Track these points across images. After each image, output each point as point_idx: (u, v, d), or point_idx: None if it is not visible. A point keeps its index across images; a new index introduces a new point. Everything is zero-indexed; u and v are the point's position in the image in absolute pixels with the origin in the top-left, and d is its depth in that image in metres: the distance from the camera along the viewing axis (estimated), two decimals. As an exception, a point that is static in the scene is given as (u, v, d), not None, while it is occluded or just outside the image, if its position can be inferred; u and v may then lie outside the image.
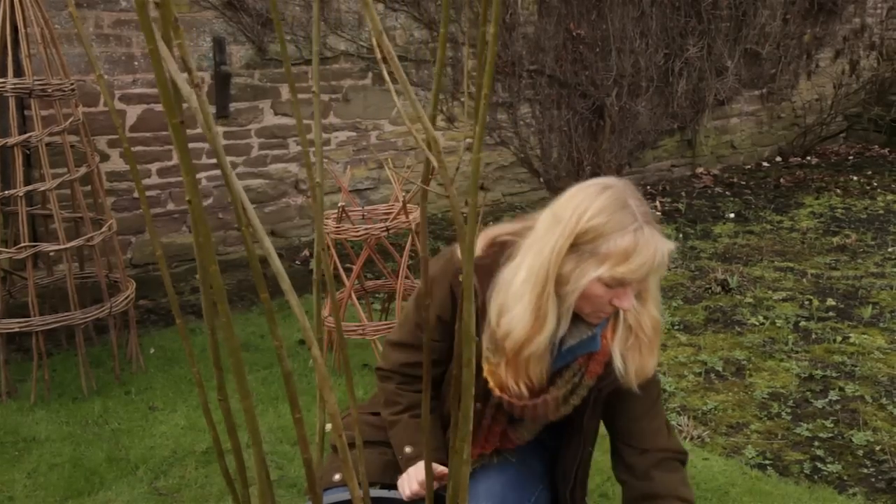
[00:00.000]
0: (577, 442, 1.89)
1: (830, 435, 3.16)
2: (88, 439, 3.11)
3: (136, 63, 4.54)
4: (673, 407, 3.38)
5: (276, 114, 5.13)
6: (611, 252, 1.59)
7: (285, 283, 0.83)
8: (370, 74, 5.47)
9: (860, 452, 3.04)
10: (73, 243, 3.43)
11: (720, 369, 3.70)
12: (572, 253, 1.62)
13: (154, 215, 4.72)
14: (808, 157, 8.17)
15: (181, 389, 3.51)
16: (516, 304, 1.66)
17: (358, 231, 3.41)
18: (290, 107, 5.12)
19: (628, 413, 1.86)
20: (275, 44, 5.00)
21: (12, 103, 3.47)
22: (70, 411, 3.31)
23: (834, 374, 3.63)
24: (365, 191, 5.61)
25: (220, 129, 4.94)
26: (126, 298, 3.59)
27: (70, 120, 3.48)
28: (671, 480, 1.83)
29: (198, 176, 3.96)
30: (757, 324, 4.19)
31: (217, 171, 4.92)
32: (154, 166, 4.71)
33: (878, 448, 3.06)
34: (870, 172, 7.53)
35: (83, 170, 3.53)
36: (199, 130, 4.43)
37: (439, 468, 1.73)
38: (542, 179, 6.52)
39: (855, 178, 7.34)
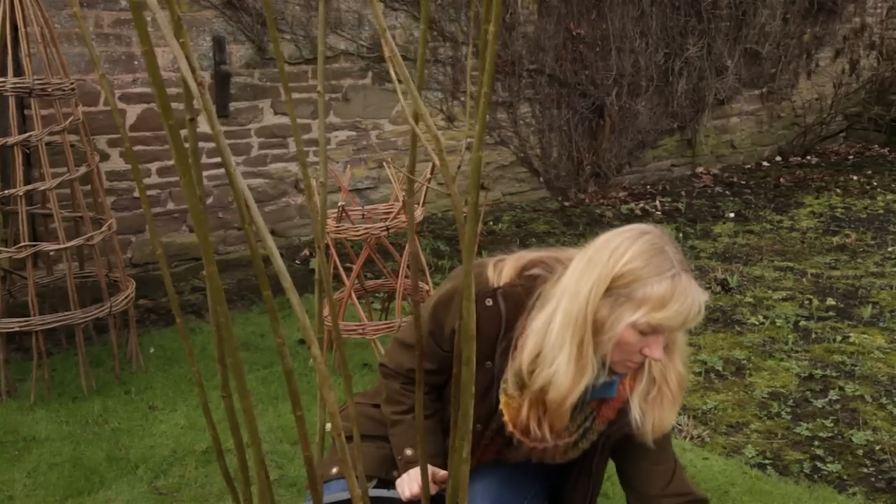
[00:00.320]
0: (584, 484, 1.89)
1: (830, 434, 3.16)
2: (88, 439, 3.11)
3: (136, 62, 4.54)
4: (673, 406, 3.38)
5: (275, 113, 5.13)
6: (647, 297, 1.56)
7: (287, 282, 0.83)
8: (370, 74, 5.47)
9: (860, 452, 3.04)
10: (72, 243, 3.42)
11: (720, 369, 3.70)
12: (608, 297, 1.59)
13: (154, 215, 4.72)
14: (808, 157, 8.17)
15: (181, 389, 3.51)
16: (558, 352, 1.62)
17: (358, 230, 3.41)
18: (287, 107, 5.12)
19: (635, 457, 1.84)
20: (275, 43, 4.99)
21: (12, 102, 3.47)
22: (70, 411, 3.31)
23: (834, 374, 3.63)
24: (365, 190, 5.61)
25: (221, 129, 4.94)
26: (126, 298, 3.59)
27: (70, 119, 3.48)
28: None
29: (198, 175, 3.95)
30: (757, 323, 4.19)
31: (217, 171, 4.92)
32: (154, 165, 4.71)
33: (877, 448, 3.06)
34: (870, 172, 7.54)
35: (83, 169, 3.52)
36: (198, 129, 4.43)
37: (441, 472, 1.73)
38: (541, 179, 6.53)
39: (855, 177, 7.35)
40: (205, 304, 4.44)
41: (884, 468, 2.94)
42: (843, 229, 5.85)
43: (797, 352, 3.87)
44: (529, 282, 1.71)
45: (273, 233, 5.26)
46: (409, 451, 1.79)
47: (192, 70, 0.76)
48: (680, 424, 3.22)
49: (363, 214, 3.63)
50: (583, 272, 1.62)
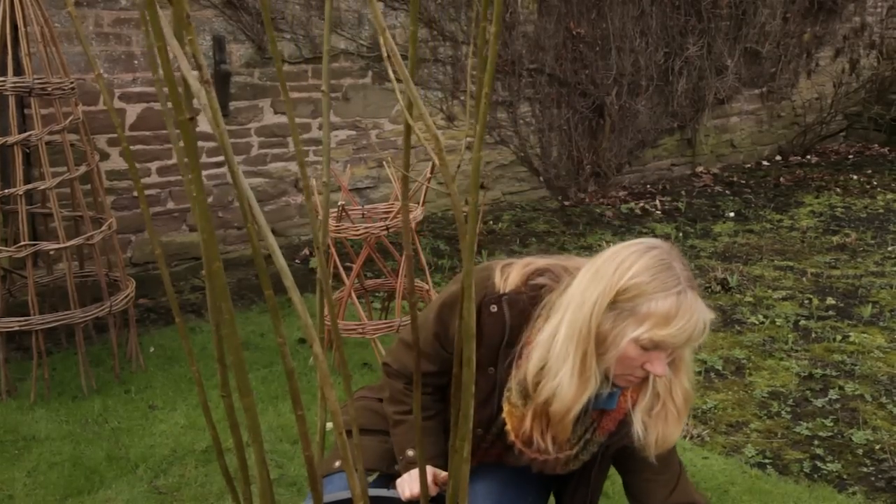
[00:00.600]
0: (583, 493, 1.88)
1: (830, 434, 3.16)
2: (88, 438, 3.11)
3: (135, 62, 4.54)
4: (673, 406, 3.38)
5: (275, 112, 5.13)
6: (651, 313, 1.55)
7: (288, 281, 0.83)
8: (370, 73, 5.47)
9: (860, 451, 3.04)
10: (72, 242, 3.42)
11: (720, 368, 3.70)
12: (611, 311, 1.57)
13: (154, 214, 4.72)
14: (808, 156, 8.18)
15: (181, 388, 3.51)
16: (562, 365, 1.61)
17: (358, 230, 3.41)
18: (285, 106, 5.12)
19: (637, 469, 1.83)
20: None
21: (12, 102, 3.47)
22: (70, 410, 3.31)
23: (834, 373, 3.63)
24: (365, 189, 5.61)
25: (225, 128, 4.94)
26: (126, 297, 3.59)
27: (70, 118, 3.48)
28: None
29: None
30: (757, 323, 4.19)
31: (217, 170, 4.92)
32: (154, 165, 4.71)
33: (877, 447, 3.06)
34: (870, 171, 7.54)
35: (83, 168, 3.52)
36: (198, 129, 4.43)
37: (442, 473, 1.73)
38: (541, 178, 6.53)
39: (855, 176, 7.35)
40: (204, 303, 4.44)
41: (884, 467, 2.94)
42: (843, 229, 5.85)
43: (797, 351, 3.87)
44: (535, 290, 1.70)
45: (273, 232, 5.24)
46: (410, 452, 1.79)
47: (200, 68, 0.76)
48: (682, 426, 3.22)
49: (363, 214, 3.63)
50: (588, 284, 1.61)
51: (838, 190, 6.95)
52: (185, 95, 0.80)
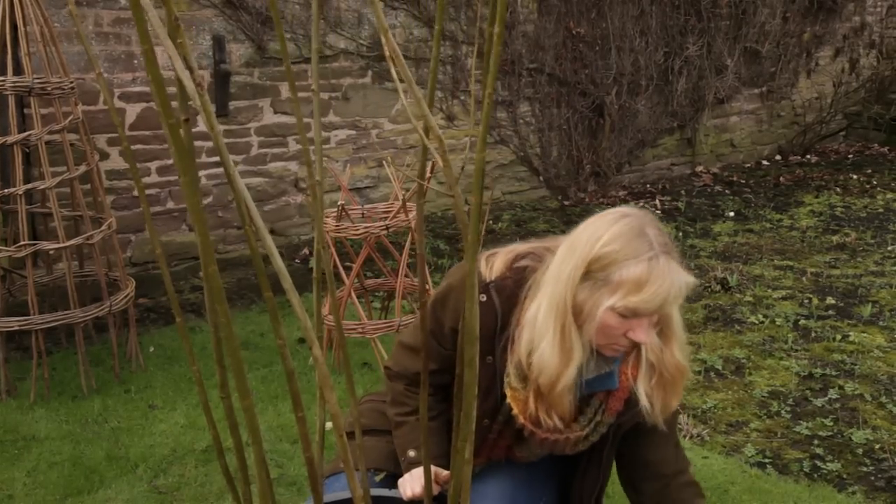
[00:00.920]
0: (594, 474, 1.89)
1: (830, 433, 3.16)
2: (88, 438, 3.11)
3: (135, 61, 4.53)
4: (673, 405, 3.38)
5: (275, 112, 5.12)
6: (623, 280, 1.55)
7: (287, 282, 0.83)
8: (370, 73, 5.47)
9: (860, 451, 3.04)
10: (72, 242, 3.42)
11: (720, 368, 3.70)
12: (586, 281, 1.58)
13: (153, 214, 4.72)
14: (808, 156, 8.18)
15: (181, 388, 3.51)
16: (542, 339, 1.63)
17: (357, 229, 3.41)
18: (290, 105, 5.12)
19: (648, 443, 1.85)
20: (274, 42, 4.99)
21: (12, 101, 3.47)
22: (70, 410, 3.31)
23: (833, 373, 3.63)
24: (364, 189, 5.61)
25: (220, 128, 4.95)
26: (125, 297, 3.59)
27: (69, 118, 3.48)
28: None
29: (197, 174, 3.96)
30: (756, 322, 4.19)
31: (216, 170, 4.92)
32: (154, 164, 4.70)
33: (877, 446, 3.06)
34: (869, 171, 7.54)
35: (83, 168, 3.52)
36: (198, 128, 4.43)
37: (445, 472, 1.73)
38: (541, 178, 6.52)
39: (854, 176, 7.35)
40: (204, 303, 4.44)
41: (883, 467, 2.94)
42: (843, 228, 5.85)
43: (797, 351, 3.87)
44: (518, 273, 1.73)
45: (272, 232, 5.26)
46: (412, 453, 1.79)
47: (191, 70, 0.76)
48: (680, 423, 3.22)
49: (363, 213, 3.63)
50: (565, 257, 1.63)
51: (838, 189, 6.95)
52: (180, 97, 0.80)
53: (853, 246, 5.44)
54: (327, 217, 3.47)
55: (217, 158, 4.90)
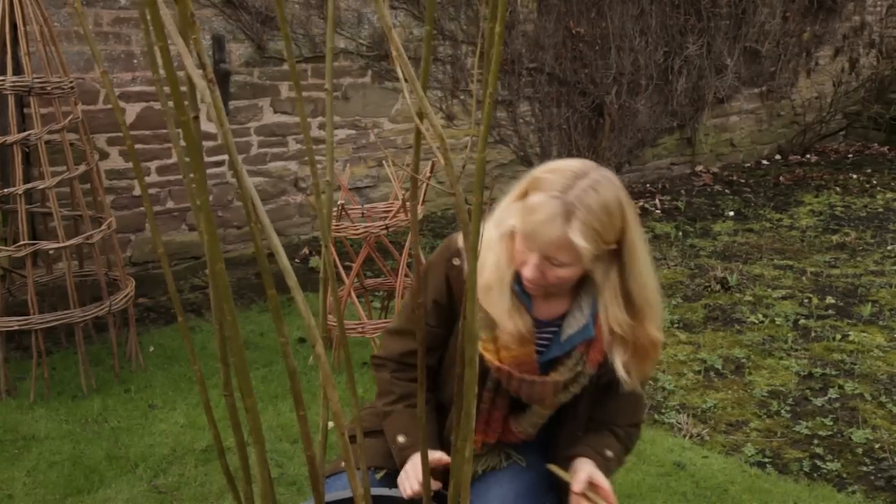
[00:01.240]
0: (571, 427, 1.89)
1: (830, 433, 3.16)
2: (88, 437, 3.11)
3: (135, 61, 4.53)
4: (672, 405, 3.38)
5: (275, 112, 5.12)
6: (528, 204, 1.63)
7: (292, 280, 0.83)
8: (370, 72, 5.47)
9: (859, 450, 3.04)
10: (72, 241, 3.42)
11: (720, 367, 3.70)
12: (518, 202, 1.67)
13: (154, 213, 4.71)
14: (808, 155, 8.18)
15: (180, 387, 3.51)
16: (488, 251, 1.70)
17: (357, 229, 3.41)
18: (290, 105, 5.12)
19: (611, 396, 1.86)
20: (274, 42, 4.99)
21: (11, 101, 3.46)
22: (69, 409, 3.31)
23: (833, 373, 3.63)
24: (364, 189, 5.61)
25: (229, 127, 4.95)
26: (125, 296, 3.59)
27: (69, 118, 3.48)
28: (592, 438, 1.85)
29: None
30: (756, 322, 4.19)
31: (216, 169, 4.92)
32: (153, 164, 4.70)
33: (877, 446, 3.06)
34: (869, 170, 7.54)
35: (82, 168, 3.52)
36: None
37: (436, 454, 1.72)
38: (541, 177, 6.51)
39: (854, 176, 7.35)
40: (204, 302, 4.44)
41: (883, 466, 2.94)
42: (843, 228, 5.85)
43: (797, 350, 3.87)
44: None
45: (272, 231, 5.26)
46: (401, 438, 1.80)
47: (203, 67, 0.76)
48: (679, 423, 3.22)
49: (363, 213, 3.63)
50: (519, 181, 1.71)
51: (838, 189, 6.95)
52: (189, 94, 0.80)
53: (853, 245, 5.44)
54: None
55: (217, 158, 4.90)
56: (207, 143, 4.78)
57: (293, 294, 0.83)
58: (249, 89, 4.99)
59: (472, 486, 1.82)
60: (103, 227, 3.55)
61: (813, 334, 4.04)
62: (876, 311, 4.30)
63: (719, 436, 3.16)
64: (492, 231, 1.71)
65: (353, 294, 3.62)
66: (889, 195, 6.74)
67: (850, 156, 8.15)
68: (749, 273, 4.92)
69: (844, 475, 2.90)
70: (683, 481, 2.85)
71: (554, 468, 1.45)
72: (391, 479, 1.86)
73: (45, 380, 3.39)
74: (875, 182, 7.14)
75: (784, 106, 8.10)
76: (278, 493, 2.72)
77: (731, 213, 6.29)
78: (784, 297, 4.53)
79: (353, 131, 5.50)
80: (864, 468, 2.94)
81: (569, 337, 1.76)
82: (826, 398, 3.42)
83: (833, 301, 4.45)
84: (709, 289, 4.62)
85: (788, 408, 3.36)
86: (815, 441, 3.11)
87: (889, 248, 5.39)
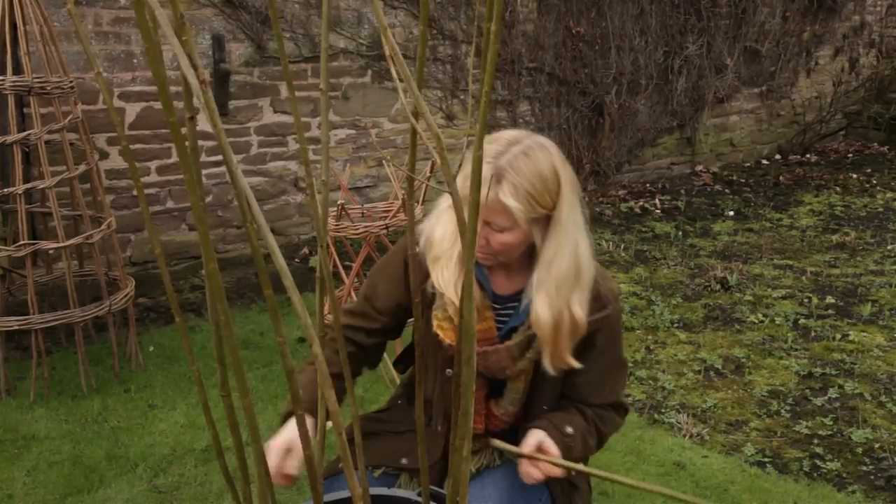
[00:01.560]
0: (543, 389, 1.86)
1: (830, 433, 3.16)
2: (88, 437, 3.11)
3: (135, 61, 4.53)
4: (672, 405, 3.38)
5: (275, 112, 5.12)
6: (464, 173, 1.63)
7: (288, 280, 0.83)
8: (369, 72, 5.47)
9: (859, 450, 3.04)
10: (72, 241, 3.42)
11: (720, 367, 3.70)
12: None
13: (153, 213, 4.72)
14: (808, 155, 8.17)
15: (180, 387, 3.51)
16: (436, 225, 1.76)
17: (357, 229, 3.41)
18: (290, 105, 5.12)
19: (580, 375, 1.83)
20: (274, 41, 4.99)
21: (11, 101, 3.46)
22: (69, 409, 3.31)
23: (833, 372, 3.63)
24: (364, 189, 5.61)
25: (223, 127, 4.95)
26: (125, 296, 3.59)
27: (69, 118, 3.48)
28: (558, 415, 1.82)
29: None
30: (756, 321, 4.19)
31: (216, 169, 4.92)
32: (153, 164, 4.70)
33: (877, 446, 3.06)
34: (869, 170, 7.54)
35: (82, 168, 3.52)
36: (198, 127, 4.42)
37: (274, 462, 1.65)
38: (541, 177, 6.51)
39: (854, 175, 7.35)
40: (204, 302, 4.44)
41: (883, 466, 2.94)
42: (843, 227, 5.85)
43: (796, 350, 3.87)
44: None
45: (272, 231, 5.24)
46: (288, 399, 1.80)
47: (195, 67, 0.76)
48: (679, 422, 3.22)
49: (363, 213, 3.63)
50: None
51: (838, 189, 6.95)
52: (185, 95, 0.80)
53: (853, 245, 5.44)
54: (327, 217, 3.47)
55: (217, 157, 4.90)
56: (207, 143, 4.78)
57: (290, 294, 0.83)
58: (249, 89, 4.99)
59: (470, 486, 1.82)
60: (103, 226, 3.55)
61: (813, 334, 4.04)
62: (876, 311, 4.30)
63: (719, 435, 3.16)
64: (442, 205, 1.77)
65: (353, 294, 3.62)
66: (889, 195, 6.74)
67: (850, 155, 8.15)
68: (749, 273, 4.92)
69: (844, 475, 2.90)
70: (683, 481, 2.85)
71: (497, 442, 1.40)
72: (391, 479, 1.86)
73: (45, 380, 3.39)
74: (875, 182, 7.14)
75: (784, 106, 8.10)
76: (278, 493, 2.72)
77: (731, 213, 6.29)
78: (784, 297, 4.53)
79: (353, 131, 5.50)
80: (864, 468, 2.94)
81: (525, 306, 1.77)
82: (826, 398, 3.42)
83: (833, 301, 4.45)
84: (709, 288, 4.62)
85: (788, 407, 3.36)
86: (815, 441, 3.11)
87: (889, 247, 5.39)
